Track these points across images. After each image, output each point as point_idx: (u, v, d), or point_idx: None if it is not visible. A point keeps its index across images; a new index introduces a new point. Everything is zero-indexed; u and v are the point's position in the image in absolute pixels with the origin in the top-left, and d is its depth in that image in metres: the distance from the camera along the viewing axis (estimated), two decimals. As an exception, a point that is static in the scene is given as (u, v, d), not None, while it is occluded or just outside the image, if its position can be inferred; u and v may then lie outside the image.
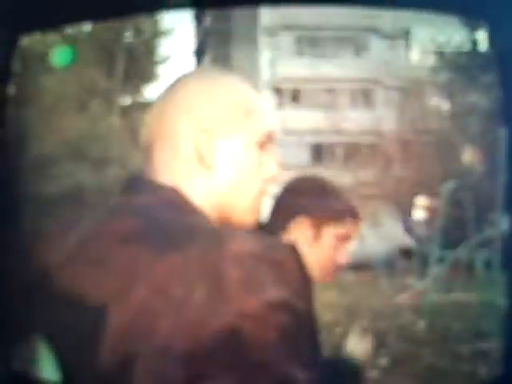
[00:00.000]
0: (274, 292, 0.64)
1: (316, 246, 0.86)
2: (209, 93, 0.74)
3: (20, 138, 0.79)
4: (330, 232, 0.86)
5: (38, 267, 0.69)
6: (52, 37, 0.79)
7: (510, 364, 0.67)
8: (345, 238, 0.87)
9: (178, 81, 0.76)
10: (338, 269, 0.88)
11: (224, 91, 0.74)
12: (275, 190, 0.82)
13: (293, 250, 0.69)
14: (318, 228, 0.86)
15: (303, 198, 0.84)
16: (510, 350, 0.68)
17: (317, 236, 0.86)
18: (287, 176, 0.82)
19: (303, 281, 0.69)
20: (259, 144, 0.73)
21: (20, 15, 0.73)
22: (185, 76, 0.77)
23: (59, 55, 0.76)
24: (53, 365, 0.66)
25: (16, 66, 0.75)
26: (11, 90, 0.76)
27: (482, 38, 0.84)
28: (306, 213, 0.85)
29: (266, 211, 0.83)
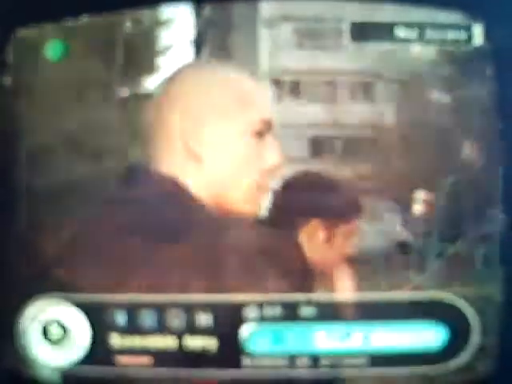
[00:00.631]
0: (274, 284, 0.63)
1: (328, 246, 0.87)
2: (200, 83, 0.74)
3: (16, 130, 0.78)
4: (341, 230, 0.88)
5: (35, 259, 0.69)
6: (48, 29, 0.78)
7: (507, 359, 0.67)
8: (354, 233, 0.89)
9: (176, 72, 0.76)
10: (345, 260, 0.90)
11: (215, 80, 0.74)
12: (278, 182, 0.81)
13: (294, 241, 0.69)
14: (330, 229, 0.87)
15: (313, 198, 0.85)
16: (507, 345, 0.69)
17: (329, 236, 0.87)
18: (287, 169, 0.82)
19: (304, 273, 0.69)
20: (256, 133, 0.73)
21: (17, 8, 0.72)
22: (182, 67, 0.77)
23: (54, 47, 0.75)
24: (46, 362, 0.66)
25: (12, 57, 0.75)
26: (7, 81, 0.76)
27: (478, 32, 0.82)
28: (318, 215, 0.86)
29: (268, 204, 0.83)
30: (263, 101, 0.76)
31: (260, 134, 0.74)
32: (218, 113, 0.74)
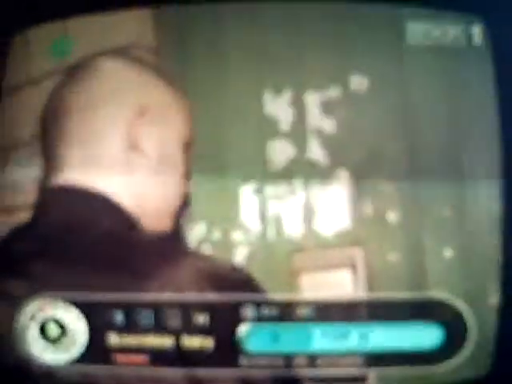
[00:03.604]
0: None
1: None
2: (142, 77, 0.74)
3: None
4: None
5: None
6: (52, 27, 0.78)
7: (504, 359, 0.68)
8: None
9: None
10: None
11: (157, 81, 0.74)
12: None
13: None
14: None
15: None
16: (504, 345, 0.69)
17: None
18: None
19: None
20: (184, 145, 0.73)
21: (19, 6, 0.72)
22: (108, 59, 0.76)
23: (58, 46, 0.75)
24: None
25: (15, 57, 0.75)
26: (9, 81, 0.76)
27: (478, 32, 0.82)
28: None
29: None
30: (188, 118, 0.76)
31: (185, 149, 0.75)
32: (157, 110, 0.74)
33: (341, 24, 0.79)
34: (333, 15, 0.80)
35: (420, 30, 0.75)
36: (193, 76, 0.80)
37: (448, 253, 0.76)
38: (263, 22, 0.84)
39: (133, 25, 0.80)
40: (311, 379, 0.70)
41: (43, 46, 0.76)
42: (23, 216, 0.74)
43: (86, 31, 0.76)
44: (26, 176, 0.77)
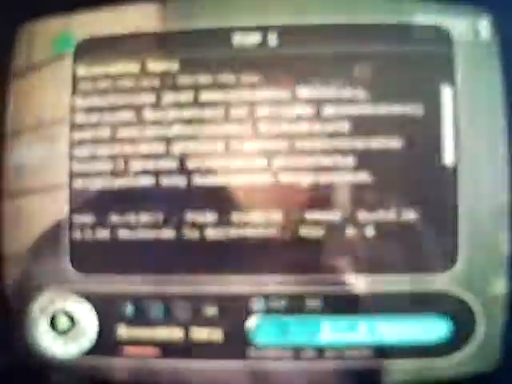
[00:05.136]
0: None
1: None
2: None
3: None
4: None
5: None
6: (55, 22, 0.79)
7: (509, 355, 0.68)
8: None
9: None
10: None
11: None
12: None
13: None
14: None
15: None
16: (509, 340, 0.69)
17: None
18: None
19: None
20: None
21: (23, 1, 0.73)
22: None
23: (62, 41, 0.75)
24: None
25: (19, 52, 0.75)
26: (13, 69, 0.76)
27: (485, 26, 0.81)
28: None
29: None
30: None
31: None
32: None
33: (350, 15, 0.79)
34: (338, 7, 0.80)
35: (425, 23, 0.75)
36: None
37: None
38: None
39: (138, 20, 0.81)
40: (320, 371, 0.70)
41: (46, 41, 0.77)
42: (27, 201, 0.75)
43: (88, 26, 0.77)
44: (31, 161, 0.78)
